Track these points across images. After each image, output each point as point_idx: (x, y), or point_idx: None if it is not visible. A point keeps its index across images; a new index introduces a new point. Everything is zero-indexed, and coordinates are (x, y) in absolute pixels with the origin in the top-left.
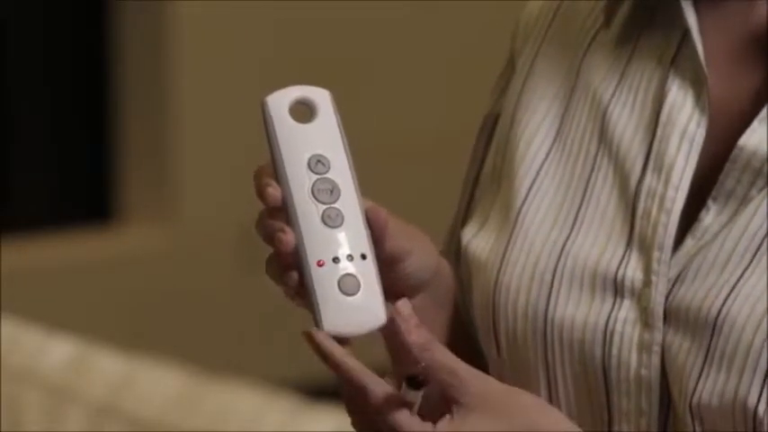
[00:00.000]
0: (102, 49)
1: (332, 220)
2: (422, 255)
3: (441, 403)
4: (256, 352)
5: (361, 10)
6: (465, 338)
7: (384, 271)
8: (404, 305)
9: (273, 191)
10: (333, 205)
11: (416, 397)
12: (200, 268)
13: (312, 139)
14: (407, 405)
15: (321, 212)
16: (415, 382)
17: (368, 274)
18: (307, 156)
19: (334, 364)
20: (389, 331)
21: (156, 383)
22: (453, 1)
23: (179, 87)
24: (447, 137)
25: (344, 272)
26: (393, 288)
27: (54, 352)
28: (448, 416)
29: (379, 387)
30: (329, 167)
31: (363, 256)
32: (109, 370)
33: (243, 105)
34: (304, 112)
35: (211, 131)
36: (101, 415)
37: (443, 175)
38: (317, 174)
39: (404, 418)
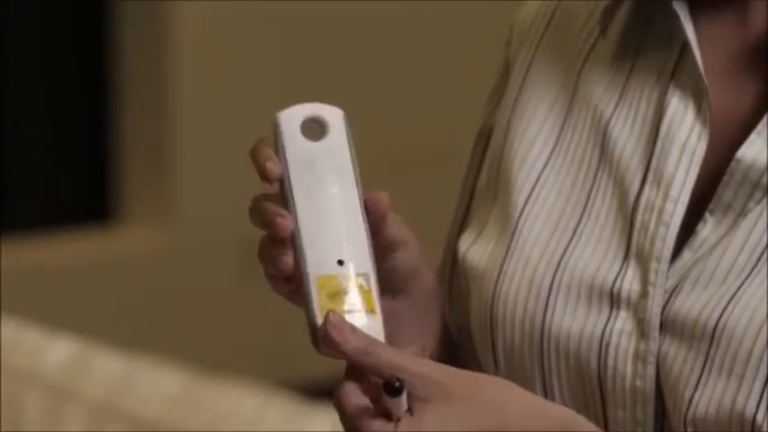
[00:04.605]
0: (102, 49)
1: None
2: (410, 249)
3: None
4: (256, 352)
5: (362, 10)
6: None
7: (378, 260)
8: (332, 315)
9: (282, 221)
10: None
11: (398, 403)
12: (200, 268)
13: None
14: (386, 413)
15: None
16: (391, 388)
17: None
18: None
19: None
20: (329, 348)
21: (156, 383)
22: (463, 1)
23: (179, 88)
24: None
25: None
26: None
27: (54, 352)
28: (408, 413)
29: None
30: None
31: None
32: (109, 370)
33: (243, 105)
34: (316, 129)
35: (211, 132)
36: (101, 415)
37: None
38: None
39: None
